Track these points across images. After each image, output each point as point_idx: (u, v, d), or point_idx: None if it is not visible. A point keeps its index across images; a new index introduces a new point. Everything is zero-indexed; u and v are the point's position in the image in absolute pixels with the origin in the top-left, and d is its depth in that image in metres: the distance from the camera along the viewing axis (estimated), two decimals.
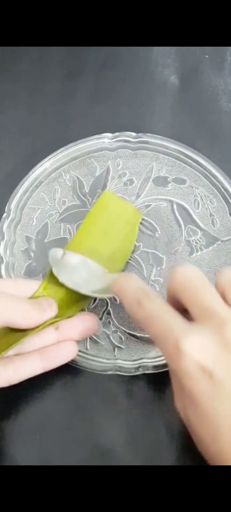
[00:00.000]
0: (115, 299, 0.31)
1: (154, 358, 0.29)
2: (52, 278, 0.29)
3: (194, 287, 0.23)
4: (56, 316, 0.27)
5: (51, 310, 0.26)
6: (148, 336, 0.30)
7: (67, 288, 0.28)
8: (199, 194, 0.35)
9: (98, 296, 0.28)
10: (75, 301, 0.28)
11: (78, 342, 0.28)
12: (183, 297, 0.23)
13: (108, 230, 0.33)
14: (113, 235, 0.33)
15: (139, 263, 0.32)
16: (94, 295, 0.28)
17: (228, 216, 0.34)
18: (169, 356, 0.22)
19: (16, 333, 0.25)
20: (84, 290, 0.28)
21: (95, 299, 0.31)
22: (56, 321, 0.27)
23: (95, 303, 0.31)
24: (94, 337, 0.30)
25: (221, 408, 0.20)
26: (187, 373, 0.20)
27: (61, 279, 0.28)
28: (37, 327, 0.25)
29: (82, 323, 0.27)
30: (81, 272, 0.29)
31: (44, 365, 0.26)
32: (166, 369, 0.29)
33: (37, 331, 0.25)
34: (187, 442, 0.27)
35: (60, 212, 0.35)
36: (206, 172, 0.35)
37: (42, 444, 0.28)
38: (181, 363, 0.21)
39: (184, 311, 0.23)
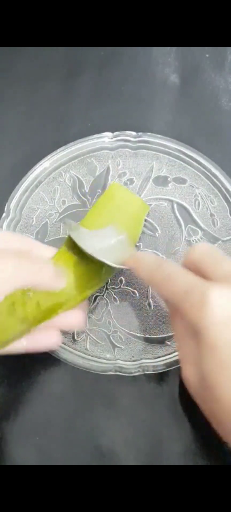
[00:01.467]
0: (115, 299, 0.31)
1: (154, 358, 0.29)
2: (62, 255, 0.28)
3: (214, 256, 0.24)
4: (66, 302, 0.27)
5: (61, 280, 0.27)
6: (148, 336, 0.30)
7: (77, 267, 0.28)
8: (199, 193, 0.35)
9: (114, 265, 0.27)
10: (85, 282, 0.28)
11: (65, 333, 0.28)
12: (204, 265, 0.24)
13: (115, 219, 0.32)
14: (119, 225, 0.32)
15: None
16: (110, 264, 0.27)
17: (229, 216, 0.34)
18: (191, 309, 0.22)
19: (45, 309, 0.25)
20: (101, 258, 0.27)
21: (96, 297, 0.31)
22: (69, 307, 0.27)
23: (95, 303, 0.31)
24: (94, 338, 0.30)
25: None
26: (213, 322, 0.21)
27: (81, 244, 0.27)
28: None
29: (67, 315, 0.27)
30: (109, 239, 0.29)
31: (27, 346, 0.26)
32: (166, 369, 0.28)
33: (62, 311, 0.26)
34: (187, 442, 0.27)
35: (60, 212, 0.35)
36: (206, 171, 0.35)
37: (42, 444, 0.28)
38: (207, 312, 0.21)
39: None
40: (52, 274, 0.26)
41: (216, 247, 0.26)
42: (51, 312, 0.26)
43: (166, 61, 0.43)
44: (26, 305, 0.25)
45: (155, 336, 0.30)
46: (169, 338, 0.30)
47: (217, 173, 0.35)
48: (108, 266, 0.27)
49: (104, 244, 0.29)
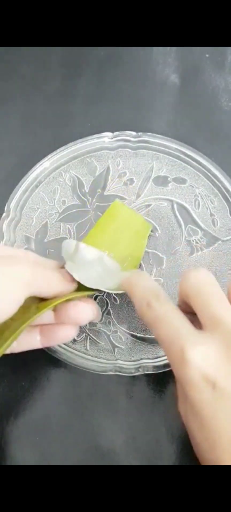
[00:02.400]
0: (115, 299, 0.31)
1: (154, 358, 0.29)
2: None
3: (204, 293, 0.23)
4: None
5: (73, 283, 0.27)
6: (148, 336, 0.30)
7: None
8: (199, 193, 0.35)
9: (111, 291, 0.28)
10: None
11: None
12: (193, 303, 0.23)
13: (118, 239, 0.32)
14: (122, 245, 0.32)
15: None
16: (107, 290, 0.28)
17: (229, 215, 0.34)
18: (173, 362, 0.22)
19: (38, 303, 0.25)
20: (96, 287, 0.27)
21: (96, 297, 0.31)
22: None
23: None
24: (94, 338, 0.30)
25: (221, 419, 0.20)
26: (190, 382, 0.20)
27: (75, 276, 0.27)
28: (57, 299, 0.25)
29: (78, 309, 0.27)
30: (96, 267, 0.29)
31: (43, 342, 0.27)
32: (166, 369, 0.28)
33: (60, 301, 0.25)
34: (187, 442, 0.27)
35: (60, 212, 0.35)
36: (206, 171, 0.35)
37: (42, 444, 0.28)
38: (185, 370, 0.21)
39: (195, 314, 0.23)
40: (64, 279, 0.26)
41: (212, 278, 0.24)
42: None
43: (166, 61, 0.43)
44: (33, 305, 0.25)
45: None
46: None
47: (217, 173, 0.35)
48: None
49: (99, 270, 0.29)
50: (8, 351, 0.26)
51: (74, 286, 0.27)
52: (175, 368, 0.22)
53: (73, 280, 0.27)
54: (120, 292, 0.28)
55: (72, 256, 0.29)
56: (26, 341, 0.27)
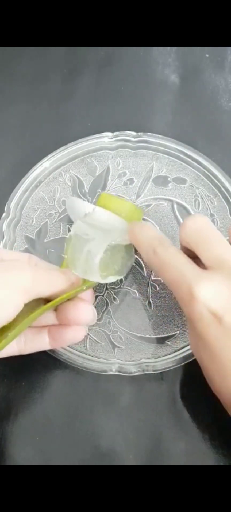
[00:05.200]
0: (115, 299, 0.31)
1: (154, 358, 0.29)
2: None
3: (205, 236, 0.24)
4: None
5: (77, 282, 0.27)
6: (148, 336, 0.30)
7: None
8: (199, 193, 0.35)
9: (116, 242, 0.28)
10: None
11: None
12: (195, 247, 0.24)
13: None
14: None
15: (139, 263, 0.32)
16: (116, 242, 0.28)
17: (229, 216, 0.34)
18: (182, 301, 0.23)
19: (44, 304, 0.25)
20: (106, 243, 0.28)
21: (95, 298, 0.31)
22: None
23: (95, 303, 0.31)
24: (94, 337, 0.30)
25: (230, 350, 0.21)
26: (199, 318, 0.22)
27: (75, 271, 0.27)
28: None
29: (79, 310, 0.27)
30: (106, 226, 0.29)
31: (52, 343, 0.27)
32: (166, 369, 0.28)
33: (59, 300, 0.25)
34: (186, 442, 0.27)
35: (60, 212, 0.35)
36: (206, 171, 0.35)
37: (42, 444, 0.28)
38: (194, 308, 0.22)
39: (196, 258, 0.24)
40: (66, 278, 0.26)
41: (210, 222, 0.25)
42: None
43: (166, 61, 0.43)
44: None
45: (155, 336, 0.30)
46: (169, 338, 0.30)
47: (217, 173, 0.35)
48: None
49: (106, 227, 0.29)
50: (16, 352, 0.26)
51: (77, 283, 0.27)
52: (184, 306, 0.23)
53: (76, 277, 0.27)
54: (125, 242, 0.29)
55: (85, 217, 0.29)
56: (35, 342, 0.27)
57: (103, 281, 0.28)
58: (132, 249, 0.30)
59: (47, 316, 0.27)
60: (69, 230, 0.34)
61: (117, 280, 0.32)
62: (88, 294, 0.28)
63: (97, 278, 0.27)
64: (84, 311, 0.27)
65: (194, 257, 0.24)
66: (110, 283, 0.32)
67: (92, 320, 0.28)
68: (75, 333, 0.27)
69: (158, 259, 0.25)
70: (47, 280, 0.25)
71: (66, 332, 0.26)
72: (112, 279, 0.28)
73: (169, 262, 0.24)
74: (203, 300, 0.21)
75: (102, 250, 0.27)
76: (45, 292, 0.24)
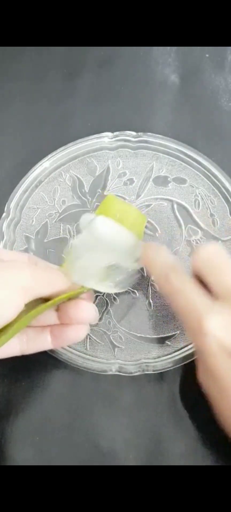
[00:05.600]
0: (115, 299, 0.31)
1: (154, 358, 0.29)
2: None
3: (216, 266, 0.24)
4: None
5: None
6: (148, 336, 0.30)
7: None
8: (199, 193, 0.35)
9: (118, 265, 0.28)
10: None
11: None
12: (206, 276, 0.24)
13: None
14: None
15: None
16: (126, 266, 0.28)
17: (229, 216, 0.34)
18: (192, 332, 0.23)
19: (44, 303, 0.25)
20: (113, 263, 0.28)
21: (96, 297, 0.31)
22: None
23: (95, 303, 0.31)
24: (94, 338, 0.30)
25: None
26: (209, 351, 0.21)
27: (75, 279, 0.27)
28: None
29: (81, 309, 0.27)
30: (115, 242, 0.29)
31: (54, 343, 0.27)
32: (166, 369, 0.28)
33: (60, 299, 0.25)
34: (187, 442, 0.27)
35: (60, 212, 0.35)
36: (206, 171, 0.35)
37: (42, 444, 0.28)
38: (204, 341, 0.21)
39: (206, 288, 0.24)
40: (64, 278, 0.26)
41: (222, 251, 0.25)
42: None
43: (166, 61, 0.43)
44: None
45: (155, 336, 0.30)
46: (169, 338, 0.30)
47: (217, 173, 0.35)
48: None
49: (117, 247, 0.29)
50: (19, 352, 0.26)
51: (76, 285, 0.27)
52: (194, 338, 0.23)
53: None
54: (137, 266, 0.29)
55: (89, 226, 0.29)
56: (37, 342, 0.27)
57: (103, 290, 0.28)
58: (137, 273, 0.30)
59: (49, 316, 0.27)
60: (71, 232, 0.34)
61: None
62: (88, 293, 0.28)
63: (97, 286, 0.27)
64: (86, 309, 0.27)
65: (205, 286, 0.24)
66: None
67: (94, 319, 0.28)
68: (77, 332, 0.27)
69: (170, 286, 0.24)
70: (47, 280, 0.25)
71: (68, 331, 0.26)
72: (111, 290, 0.29)
73: (180, 291, 0.24)
74: (213, 333, 0.21)
75: (102, 264, 0.27)
76: (45, 292, 0.24)
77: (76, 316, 0.26)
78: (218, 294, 0.23)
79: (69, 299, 0.26)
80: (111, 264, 0.28)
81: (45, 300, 0.25)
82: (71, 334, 0.26)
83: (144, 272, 0.32)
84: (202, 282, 0.24)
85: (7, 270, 0.23)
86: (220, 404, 0.23)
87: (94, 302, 0.31)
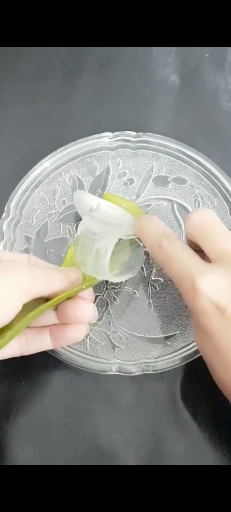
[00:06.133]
0: (115, 299, 0.31)
1: (154, 358, 0.29)
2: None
3: (210, 230, 0.24)
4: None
5: (77, 281, 0.27)
6: (148, 336, 0.30)
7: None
8: (199, 193, 0.35)
9: (126, 236, 0.29)
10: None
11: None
12: (200, 241, 0.24)
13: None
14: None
15: None
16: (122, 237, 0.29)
17: (229, 216, 0.34)
18: (186, 295, 0.23)
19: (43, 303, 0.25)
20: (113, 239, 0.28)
21: (95, 298, 0.31)
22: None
23: (95, 303, 0.31)
24: (94, 338, 0.30)
25: None
26: (202, 311, 0.22)
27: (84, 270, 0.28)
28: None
29: (80, 309, 0.27)
30: (113, 220, 0.29)
31: (54, 343, 0.27)
32: (166, 369, 0.28)
33: (59, 298, 0.25)
34: (187, 442, 0.27)
35: (60, 211, 0.35)
36: (206, 171, 0.35)
37: (42, 444, 0.28)
38: (197, 301, 0.22)
39: (201, 251, 0.24)
40: (66, 277, 0.26)
41: (215, 215, 0.25)
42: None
43: (166, 61, 0.43)
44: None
45: (155, 336, 0.30)
46: (169, 338, 0.30)
47: (217, 173, 0.35)
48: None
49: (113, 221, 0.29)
50: (18, 353, 0.26)
51: (77, 282, 0.27)
52: (188, 300, 0.23)
53: (76, 275, 0.27)
54: (131, 237, 0.29)
55: (91, 212, 0.30)
56: (37, 342, 0.27)
57: (115, 280, 0.28)
58: (142, 250, 0.30)
59: (48, 316, 0.27)
60: (76, 229, 0.34)
61: None
62: (88, 293, 0.28)
63: (108, 276, 0.27)
64: (85, 308, 0.27)
65: (199, 251, 0.25)
66: (110, 283, 0.32)
67: (94, 318, 0.28)
68: (76, 332, 0.27)
69: (162, 253, 0.25)
70: (46, 280, 0.25)
71: (68, 331, 0.26)
72: (122, 278, 0.29)
73: (173, 256, 0.24)
74: (206, 293, 0.22)
75: (111, 247, 0.27)
76: (44, 292, 0.24)
77: (76, 316, 0.26)
78: (212, 258, 0.24)
79: (69, 298, 0.26)
80: (117, 247, 0.28)
81: (44, 300, 0.25)
82: (71, 334, 0.26)
83: (144, 272, 0.32)
84: (195, 247, 0.25)
85: (4, 270, 0.23)
86: (214, 363, 0.23)
87: (94, 302, 0.31)
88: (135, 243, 0.30)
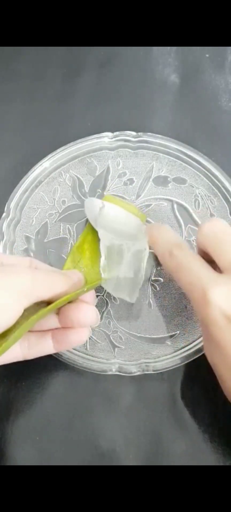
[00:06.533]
0: (115, 299, 0.31)
1: (154, 358, 0.29)
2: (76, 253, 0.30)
3: (221, 241, 0.24)
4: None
5: (80, 283, 0.27)
6: (148, 336, 0.30)
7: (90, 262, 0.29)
8: (199, 193, 0.35)
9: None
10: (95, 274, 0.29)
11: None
12: (212, 251, 0.24)
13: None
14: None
15: None
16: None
17: (229, 215, 0.34)
18: (197, 305, 0.23)
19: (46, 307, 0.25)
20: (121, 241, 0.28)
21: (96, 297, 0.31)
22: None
23: (95, 303, 0.31)
24: (94, 338, 0.30)
25: None
26: (213, 321, 0.22)
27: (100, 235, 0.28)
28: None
29: (82, 312, 0.26)
30: (120, 225, 0.30)
31: (56, 346, 0.27)
32: (166, 369, 0.28)
33: (60, 302, 0.25)
34: (187, 442, 0.27)
35: (60, 211, 0.35)
36: (206, 171, 0.35)
37: (42, 444, 0.28)
38: (208, 311, 0.22)
39: (212, 262, 0.24)
40: (67, 280, 0.26)
41: (227, 225, 0.25)
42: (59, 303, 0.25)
43: (166, 61, 0.43)
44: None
45: (155, 336, 0.30)
46: (169, 338, 0.30)
47: (217, 173, 0.35)
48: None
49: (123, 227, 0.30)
50: (21, 358, 0.26)
51: (79, 284, 0.26)
52: (198, 310, 0.23)
53: (78, 277, 0.27)
54: (143, 247, 0.29)
55: (98, 216, 0.30)
56: (39, 346, 0.26)
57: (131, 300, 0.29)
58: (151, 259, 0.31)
59: (50, 320, 0.26)
60: (71, 232, 0.34)
61: None
62: (90, 296, 0.28)
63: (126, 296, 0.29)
64: (87, 312, 0.26)
65: (211, 262, 0.24)
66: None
67: (96, 321, 0.27)
68: (79, 335, 0.26)
69: (174, 261, 0.25)
70: (47, 283, 0.24)
71: (70, 335, 0.26)
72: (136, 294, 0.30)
73: (184, 265, 0.24)
74: (217, 303, 0.22)
75: (143, 269, 0.29)
76: (45, 295, 0.24)
77: (78, 319, 0.26)
78: (223, 268, 0.23)
79: (70, 301, 0.26)
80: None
81: (46, 303, 0.25)
82: (74, 338, 0.26)
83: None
84: (207, 258, 0.25)
85: (5, 274, 0.23)
86: (224, 374, 0.23)
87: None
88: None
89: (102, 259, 0.28)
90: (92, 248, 0.31)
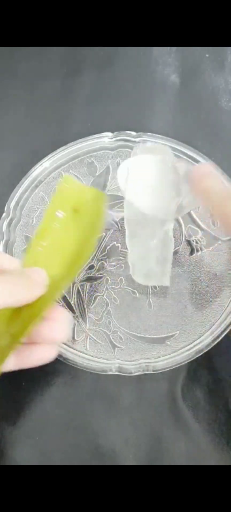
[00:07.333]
0: (115, 299, 0.31)
1: (154, 358, 0.29)
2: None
3: None
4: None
5: (43, 280, 0.23)
6: (147, 336, 0.30)
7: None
8: None
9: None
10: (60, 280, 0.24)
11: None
12: None
13: (73, 221, 0.27)
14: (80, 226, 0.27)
15: None
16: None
17: None
18: None
19: (20, 319, 0.22)
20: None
21: (95, 298, 0.31)
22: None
23: (95, 303, 0.31)
24: (94, 338, 0.30)
25: None
26: None
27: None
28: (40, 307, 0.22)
29: (48, 327, 0.23)
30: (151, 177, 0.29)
31: (18, 363, 0.24)
32: (166, 369, 0.28)
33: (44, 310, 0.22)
34: (187, 442, 0.27)
35: None
36: None
37: (42, 444, 0.28)
38: None
39: None
40: (29, 283, 0.22)
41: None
42: (35, 314, 0.22)
43: (166, 61, 0.43)
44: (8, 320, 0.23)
45: (155, 336, 0.30)
46: (169, 338, 0.30)
47: (217, 173, 0.35)
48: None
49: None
50: None
51: (42, 288, 0.23)
52: None
53: (42, 281, 0.23)
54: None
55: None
56: None
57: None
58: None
59: None
60: None
61: (117, 280, 0.32)
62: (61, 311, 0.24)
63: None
64: (61, 329, 0.23)
65: None
66: (110, 283, 0.32)
67: (64, 338, 0.25)
68: (45, 353, 0.23)
69: None
70: (6, 288, 0.21)
71: (36, 351, 0.23)
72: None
73: None
74: None
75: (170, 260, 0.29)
76: (5, 300, 0.21)
77: (51, 336, 0.23)
78: None
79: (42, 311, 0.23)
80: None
81: (26, 311, 0.22)
82: (39, 355, 0.23)
83: None
84: None
85: None
86: None
87: (94, 303, 0.31)
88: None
89: (130, 258, 0.29)
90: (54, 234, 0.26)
